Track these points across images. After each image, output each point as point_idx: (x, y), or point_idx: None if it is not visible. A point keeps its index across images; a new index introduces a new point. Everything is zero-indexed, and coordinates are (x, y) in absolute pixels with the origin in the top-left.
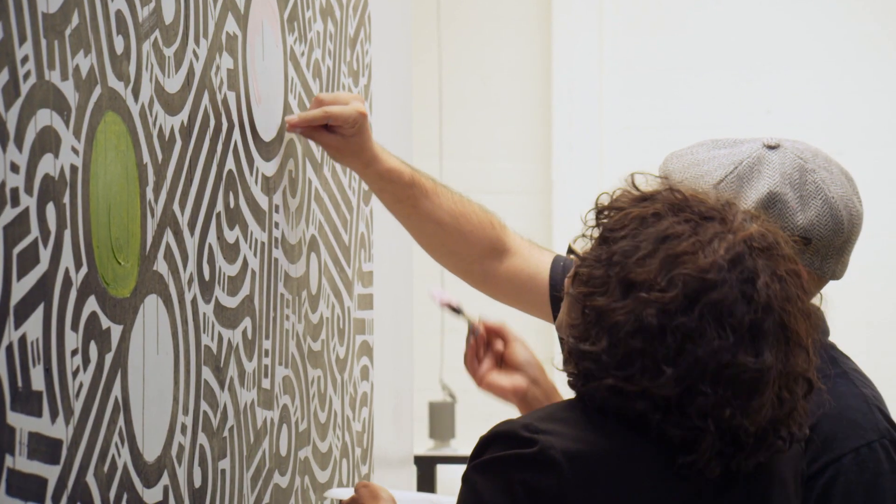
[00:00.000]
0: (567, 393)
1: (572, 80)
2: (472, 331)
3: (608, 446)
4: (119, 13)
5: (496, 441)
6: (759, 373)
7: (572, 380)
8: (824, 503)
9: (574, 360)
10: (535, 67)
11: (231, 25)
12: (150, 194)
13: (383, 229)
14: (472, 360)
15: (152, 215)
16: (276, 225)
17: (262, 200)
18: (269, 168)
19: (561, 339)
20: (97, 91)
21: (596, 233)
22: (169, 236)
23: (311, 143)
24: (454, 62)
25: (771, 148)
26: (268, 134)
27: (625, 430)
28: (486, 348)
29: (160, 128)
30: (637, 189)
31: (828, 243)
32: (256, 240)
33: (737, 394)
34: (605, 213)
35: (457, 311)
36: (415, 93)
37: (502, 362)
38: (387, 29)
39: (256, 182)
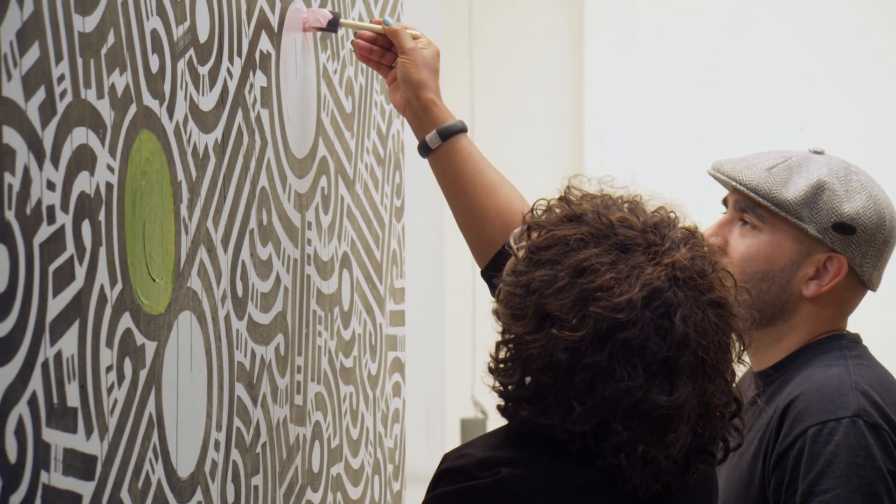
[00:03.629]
0: None
1: (604, 95)
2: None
3: (552, 470)
4: (154, 32)
5: (447, 476)
6: (673, 409)
7: (498, 404)
8: (793, 475)
9: (494, 381)
10: (567, 83)
11: (265, 44)
12: (184, 211)
13: (415, 246)
14: (371, 63)
15: (186, 232)
16: (309, 242)
17: (295, 217)
18: (301, 185)
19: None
20: (132, 109)
21: (525, 242)
22: (203, 253)
23: (343, 159)
24: (485, 77)
25: (817, 153)
26: (300, 151)
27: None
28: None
29: (194, 145)
30: (570, 202)
31: (870, 237)
32: (289, 256)
33: (650, 430)
34: (535, 229)
35: (333, 24)
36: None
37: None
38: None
39: (289, 199)
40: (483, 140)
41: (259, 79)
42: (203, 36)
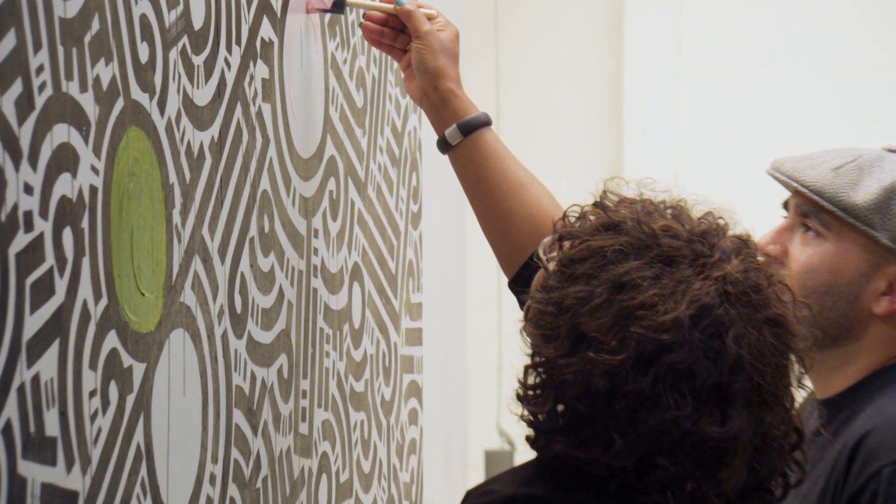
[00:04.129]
0: None
1: (645, 87)
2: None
3: None
4: (143, 18)
5: None
6: (726, 441)
7: (527, 434)
8: None
9: (523, 409)
10: (604, 74)
11: (266, 30)
12: (176, 217)
13: (434, 256)
14: (383, 47)
15: (179, 241)
16: (316, 251)
17: (300, 224)
18: (307, 188)
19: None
20: (119, 104)
21: (557, 253)
22: (197, 264)
23: (354, 159)
24: (513, 68)
25: (892, 151)
26: (306, 150)
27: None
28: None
29: (188, 144)
30: (606, 209)
31: None
32: (293, 268)
33: (700, 464)
34: (567, 239)
35: (339, 4)
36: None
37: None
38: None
39: (294, 204)
40: (510, 138)
41: (260, 70)
42: (198, 22)
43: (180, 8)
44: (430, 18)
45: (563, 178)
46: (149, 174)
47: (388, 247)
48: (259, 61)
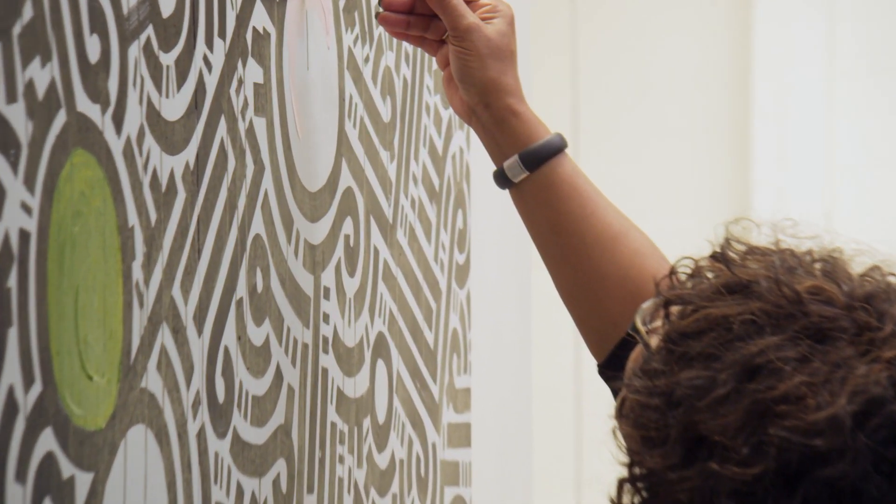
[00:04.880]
0: None
1: (784, 94)
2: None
3: None
4: (93, 3)
5: None
6: None
7: None
8: None
9: None
10: (724, 77)
11: (260, 18)
12: (137, 273)
13: (486, 324)
14: (412, 40)
15: (141, 304)
16: (326, 318)
17: (306, 281)
18: (315, 232)
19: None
20: (60, 118)
21: (662, 323)
22: (165, 336)
23: (378, 192)
24: (595, 68)
25: None
26: (314, 180)
27: None
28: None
29: (154, 173)
30: (730, 263)
31: None
32: (296, 340)
33: None
34: (677, 304)
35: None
36: (539, 80)
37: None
38: None
39: (297, 253)
40: (591, 166)
41: (252, 72)
42: (168, 7)
43: None
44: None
45: (669, 219)
46: (100, 214)
47: (425, 312)
48: (250, 60)
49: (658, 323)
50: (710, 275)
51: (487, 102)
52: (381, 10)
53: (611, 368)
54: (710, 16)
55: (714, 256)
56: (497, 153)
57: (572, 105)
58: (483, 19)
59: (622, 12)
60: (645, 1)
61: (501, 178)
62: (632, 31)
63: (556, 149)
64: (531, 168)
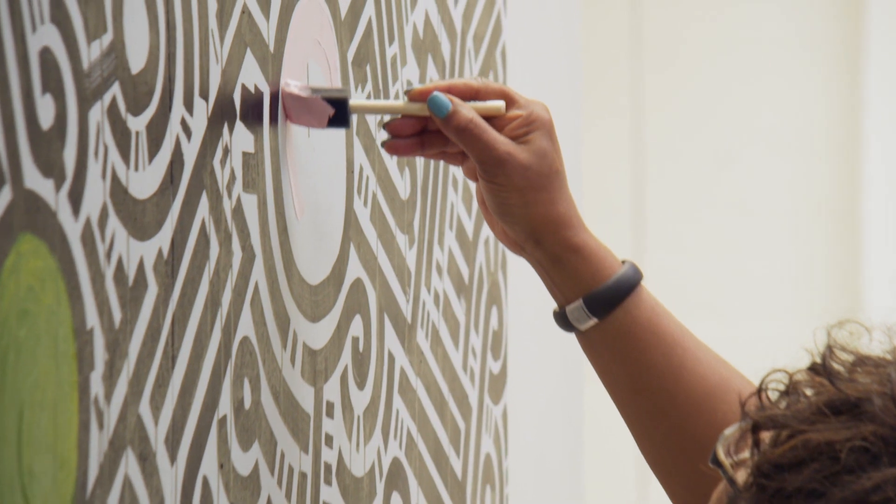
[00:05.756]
0: None
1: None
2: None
3: None
4: (46, 52)
5: None
6: None
7: None
8: None
9: None
10: (828, 143)
11: (250, 72)
12: (97, 386)
13: (525, 446)
14: (430, 156)
15: (100, 425)
16: (329, 440)
17: (304, 395)
18: (316, 335)
19: None
20: (4, 196)
21: (751, 453)
22: (130, 464)
23: (394, 285)
24: (662, 138)
25: None
26: (316, 271)
27: None
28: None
29: (119, 263)
30: (835, 376)
31: None
32: (291, 468)
33: None
34: (767, 428)
35: (341, 112)
36: (593, 150)
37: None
38: (535, 65)
39: (293, 361)
40: (656, 250)
41: (240, 138)
42: (138, 60)
43: (108, 36)
44: (492, 117)
45: (755, 321)
46: (52, 313)
47: (451, 433)
48: (238, 124)
49: (745, 454)
50: (808, 391)
51: (538, 240)
52: (385, 136)
53: None
54: (813, 77)
55: (814, 368)
56: (556, 294)
57: (633, 176)
58: (516, 138)
59: (710, 73)
60: (735, 60)
61: (564, 322)
62: (714, 93)
63: (628, 288)
64: (600, 314)
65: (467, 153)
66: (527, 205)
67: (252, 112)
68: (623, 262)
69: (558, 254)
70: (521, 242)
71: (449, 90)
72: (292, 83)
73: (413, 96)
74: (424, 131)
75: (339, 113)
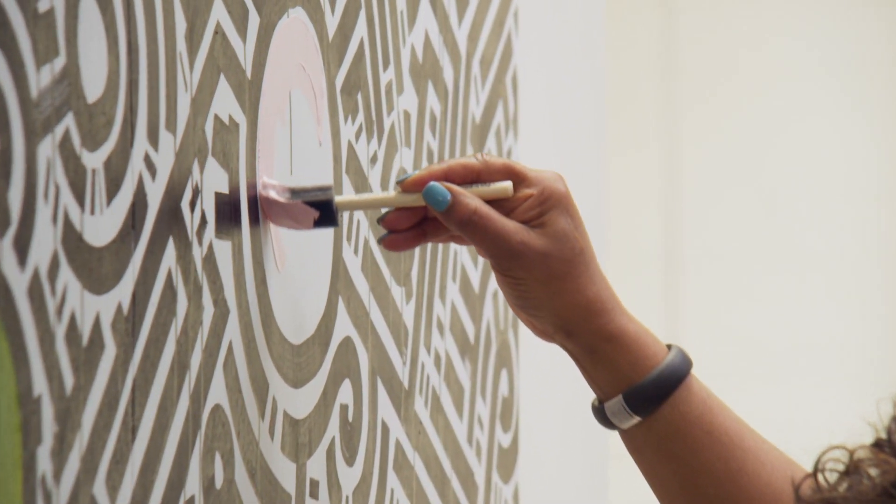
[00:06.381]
0: None
1: None
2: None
3: None
4: None
5: None
6: None
7: None
8: None
9: None
10: (876, 184)
11: (225, 102)
12: (45, 464)
13: None
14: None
15: None
16: None
17: (285, 473)
18: (299, 403)
19: None
20: None
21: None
22: None
23: (389, 346)
24: (697, 122)
25: None
26: (298, 330)
27: None
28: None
29: (72, 320)
30: None
31: None
32: None
33: None
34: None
35: (327, 213)
36: (620, 192)
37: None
38: (551, 93)
39: (272, 433)
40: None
41: (213, 176)
42: (94, 88)
43: (60, 60)
44: (497, 200)
45: (808, 390)
46: None
47: None
48: (210, 160)
49: None
50: (872, 471)
51: (569, 331)
52: (382, 230)
53: None
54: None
55: (878, 444)
56: (594, 387)
57: (666, 222)
58: (529, 221)
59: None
60: (783, 92)
61: (603, 419)
62: (758, 128)
63: (675, 380)
64: (643, 412)
65: (476, 247)
66: (551, 296)
67: (227, 146)
68: (669, 346)
69: (593, 345)
70: (550, 334)
71: (446, 176)
72: (269, 184)
73: (406, 187)
74: (425, 219)
75: (324, 213)
